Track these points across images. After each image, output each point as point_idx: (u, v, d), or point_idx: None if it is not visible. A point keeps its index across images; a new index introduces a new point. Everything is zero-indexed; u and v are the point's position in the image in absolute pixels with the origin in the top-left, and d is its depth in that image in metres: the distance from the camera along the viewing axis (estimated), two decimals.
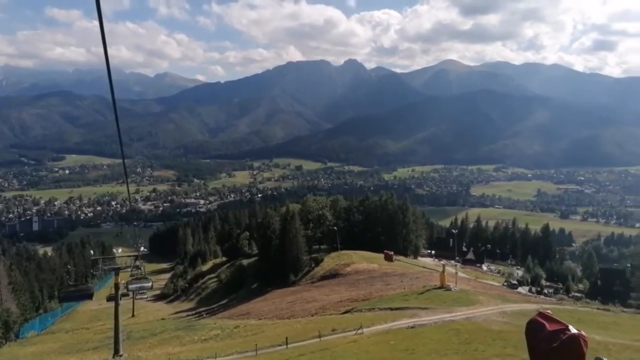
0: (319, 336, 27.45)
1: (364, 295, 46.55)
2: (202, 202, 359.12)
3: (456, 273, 44.54)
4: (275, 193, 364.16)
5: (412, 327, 27.26)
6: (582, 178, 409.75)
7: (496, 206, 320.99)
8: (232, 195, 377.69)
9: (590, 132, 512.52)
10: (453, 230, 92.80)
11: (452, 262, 57.38)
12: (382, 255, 65.76)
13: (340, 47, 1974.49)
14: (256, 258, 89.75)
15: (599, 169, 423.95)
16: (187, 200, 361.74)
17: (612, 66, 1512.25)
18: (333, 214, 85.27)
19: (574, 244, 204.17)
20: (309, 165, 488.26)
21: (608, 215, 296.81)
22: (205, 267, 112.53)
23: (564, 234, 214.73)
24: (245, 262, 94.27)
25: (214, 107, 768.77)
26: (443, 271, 42.26)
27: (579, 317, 28.45)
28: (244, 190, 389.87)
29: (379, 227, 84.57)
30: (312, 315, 43.50)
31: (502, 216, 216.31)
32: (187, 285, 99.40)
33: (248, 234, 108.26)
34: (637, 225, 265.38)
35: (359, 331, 27.59)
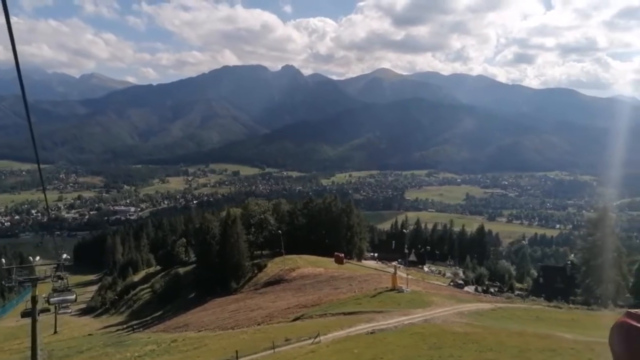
0: (273, 347, 25.00)
1: (313, 301, 44.53)
2: (132, 209, 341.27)
3: (407, 274, 43.74)
4: (211, 199, 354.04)
5: (372, 333, 25.62)
6: (506, 182, 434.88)
7: (429, 210, 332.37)
8: (166, 202, 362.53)
9: (513, 140, 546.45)
10: (404, 230, 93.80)
11: (395, 263, 56.99)
12: (328, 259, 64.25)
13: (276, 53, 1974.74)
14: (194, 265, 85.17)
15: (521, 174, 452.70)
16: (116, 208, 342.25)
17: (531, 78, 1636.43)
18: (276, 217, 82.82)
19: (501, 245, 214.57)
20: (246, 171, 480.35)
21: (530, 217, 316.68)
22: (137, 277, 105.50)
23: (492, 235, 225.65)
24: (181, 270, 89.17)
25: (145, 110, 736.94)
26: (395, 273, 41.27)
27: (536, 315, 28.27)
28: (178, 197, 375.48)
29: (324, 230, 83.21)
30: (259, 324, 40.84)
31: (435, 219, 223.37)
32: (116, 297, 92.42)
33: (185, 240, 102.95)
34: (557, 226, 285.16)
35: (316, 340, 25.50)
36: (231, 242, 68.20)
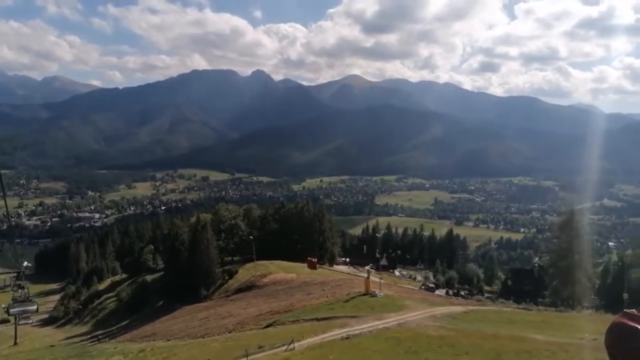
0: (246, 355, 24.40)
1: (285, 307, 44.03)
2: (97, 215, 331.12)
3: (380, 278, 43.82)
4: (180, 205, 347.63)
5: (346, 338, 25.35)
6: (473, 187, 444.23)
7: (399, 215, 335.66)
8: (132, 208, 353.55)
9: (479, 146, 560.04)
10: (377, 234, 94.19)
11: (368, 267, 56.97)
12: (300, 264, 63.79)
13: (247, 58, 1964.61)
14: (162, 273, 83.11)
15: (487, 179, 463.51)
16: (80, 215, 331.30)
17: (496, 86, 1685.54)
18: (247, 223, 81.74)
19: (469, 249, 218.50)
20: (216, 176, 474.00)
21: (496, 222, 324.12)
22: (102, 286, 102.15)
23: (460, 239, 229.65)
24: (149, 277, 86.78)
25: (111, 115, 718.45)
26: (368, 277, 41.25)
27: (508, 318, 28.65)
28: (145, 203, 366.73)
29: (296, 235, 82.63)
30: (230, 332, 40.09)
31: (405, 224, 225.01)
32: (80, 306, 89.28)
33: (152, 247, 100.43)
34: (522, 230, 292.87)
35: (290, 346, 25.04)
36: (201, 249, 66.85)
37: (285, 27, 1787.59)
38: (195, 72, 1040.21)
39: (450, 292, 65.28)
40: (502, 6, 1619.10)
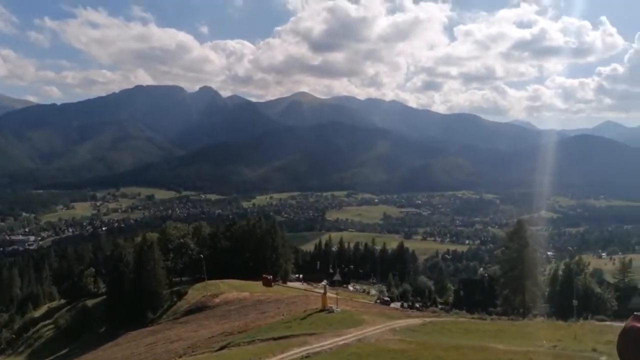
0: None
1: (239, 327, 42.41)
2: (32, 238, 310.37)
3: (337, 294, 43.26)
4: (123, 225, 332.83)
5: (306, 357, 24.46)
6: (420, 202, 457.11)
7: (349, 230, 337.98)
8: (71, 229, 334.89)
9: (424, 162, 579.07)
10: (331, 249, 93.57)
11: (324, 283, 56.43)
12: (253, 282, 62.24)
13: (193, 73, 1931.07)
14: (104, 297, 78.32)
15: (433, 193, 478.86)
16: (13, 237, 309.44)
17: (439, 104, 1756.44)
18: (197, 241, 78.96)
19: (417, 262, 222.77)
20: (161, 194, 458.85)
21: (443, 234, 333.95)
22: (38, 313, 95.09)
23: (409, 252, 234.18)
24: (90, 302, 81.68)
25: (47, 131, 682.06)
26: (325, 293, 40.57)
27: (465, 328, 28.83)
28: (85, 224, 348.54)
29: (248, 252, 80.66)
30: (180, 357, 38.04)
31: (356, 239, 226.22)
32: (14, 336, 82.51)
33: (93, 270, 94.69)
34: (467, 242, 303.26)
35: None
36: (147, 269, 63.73)
37: (232, 44, 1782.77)
38: (139, 88, 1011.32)
39: (406, 304, 65.89)
40: (443, 28, 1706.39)
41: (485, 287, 67.85)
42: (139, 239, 77.69)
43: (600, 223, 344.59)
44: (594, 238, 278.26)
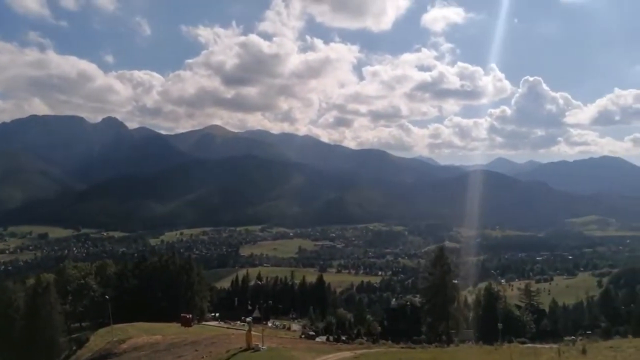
0: None
1: None
2: None
3: (262, 330, 40.84)
4: (10, 267, 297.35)
5: None
6: (334, 235, 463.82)
7: (264, 264, 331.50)
8: None
9: (337, 195, 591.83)
10: (258, 282, 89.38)
11: (249, 320, 53.27)
12: (166, 324, 57.13)
13: (96, 104, 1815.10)
14: None
15: (346, 226, 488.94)
16: None
17: (350, 139, 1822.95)
18: (100, 281, 71.60)
19: (333, 294, 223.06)
20: (57, 233, 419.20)
21: (357, 266, 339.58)
22: None
23: (326, 285, 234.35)
24: None
25: None
26: (249, 330, 38.01)
27: (398, 358, 28.26)
28: None
29: (159, 291, 74.49)
30: None
31: (271, 273, 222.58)
32: None
33: None
34: (380, 273, 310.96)
35: None
36: (42, 315, 56.10)
37: (140, 74, 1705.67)
38: (33, 117, 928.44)
39: (331, 338, 64.44)
40: (352, 68, 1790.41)
41: (409, 316, 68.87)
42: (31, 281, 68.67)
43: (498, 252, 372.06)
44: (493, 266, 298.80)
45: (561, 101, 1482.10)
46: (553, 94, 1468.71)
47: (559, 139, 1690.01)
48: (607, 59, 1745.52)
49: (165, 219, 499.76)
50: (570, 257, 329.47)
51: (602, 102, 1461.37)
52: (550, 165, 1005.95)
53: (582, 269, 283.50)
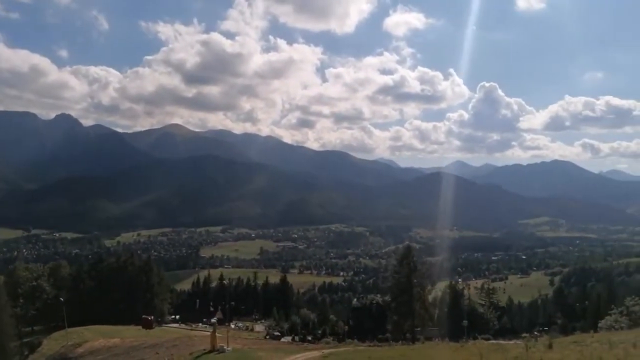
0: None
1: None
2: None
3: (227, 331, 40.13)
4: None
5: None
6: (296, 236, 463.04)
7: (225, 266, 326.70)
8: None
9: (299, 196, 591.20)
10: (223, 283, 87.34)
11: (213, 320, 52.16)
12: (124, 327, 55.23)
13: (49, 100, 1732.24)
14: None
15: (308, 227, 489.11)
16: None
17: (312, 141, 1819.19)
18: (54, 283, 68.35)
19: (295, 295, 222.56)
20: (5, 234, 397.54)
21: (319, 267, 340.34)
22: None
23: (289, 286, 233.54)
24: None
25: None
26: (214, 331, 37.28)
27: (368, 356, 28.30)
28: None
29: (118, 293, 71.86)
30: None
31: (232, 275, 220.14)
32: None
33: None
34: (342, 273, 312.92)
35: None
36: None
37: (96, 70, 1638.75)
38: None
39: (297, 338, 63.99)
40: (315, 69, 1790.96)
41: (374, 314, 69.36)
42: None
43: (455, 252, 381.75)
44: (451, 266, 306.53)
45: (515, 107, 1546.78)
46: (508, 99, 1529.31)
47: (513, 143, 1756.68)
48: (559, 66, 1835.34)
49: (122, 220, 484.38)
50: (524, 257, 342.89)
51: (553, 108, 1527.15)
52: (505, 169, 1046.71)
53: (535, 268, 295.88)
